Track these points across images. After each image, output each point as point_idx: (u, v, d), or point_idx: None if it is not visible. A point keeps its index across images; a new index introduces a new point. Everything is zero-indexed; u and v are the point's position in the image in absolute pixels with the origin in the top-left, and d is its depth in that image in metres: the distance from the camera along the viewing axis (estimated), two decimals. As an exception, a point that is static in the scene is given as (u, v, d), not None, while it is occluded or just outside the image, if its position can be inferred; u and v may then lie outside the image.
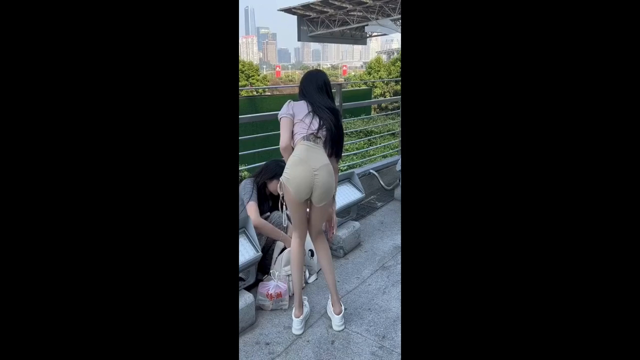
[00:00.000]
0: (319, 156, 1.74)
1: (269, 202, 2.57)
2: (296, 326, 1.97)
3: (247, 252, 2.02)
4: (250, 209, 2.31)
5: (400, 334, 1.94)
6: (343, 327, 1.98)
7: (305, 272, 2.37)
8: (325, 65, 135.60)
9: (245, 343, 1.90)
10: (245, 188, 2.41)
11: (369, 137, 7.69)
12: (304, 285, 2.33)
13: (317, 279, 2.45)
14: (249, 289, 2.20)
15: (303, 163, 1.70)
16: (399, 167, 3.57)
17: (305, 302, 2.10)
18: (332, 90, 2.04)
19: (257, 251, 2.04)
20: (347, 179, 2.92)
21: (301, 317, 1.98)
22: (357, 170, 3.92)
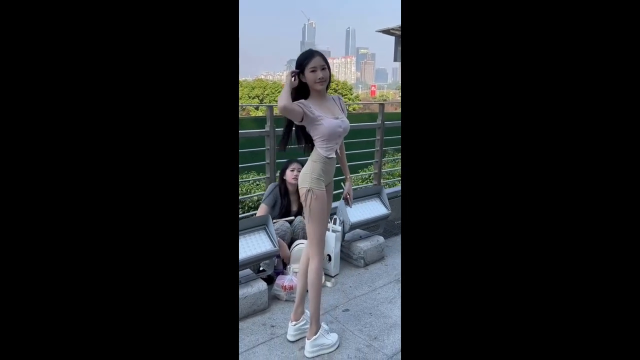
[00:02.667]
0: None
1: (287, 198, 2.75)
2: (290, 332, 2.06)
3: (265, 245, 2.35)
4: (260, 211, 2.67)
5: (392, 339, 2.09)
6: (313, 355, 1.93)
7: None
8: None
9: (254, 322, 2.22)
10: (267, 190, 2.79)
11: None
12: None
13: (335, 284, 2.65)
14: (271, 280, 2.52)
15: None
16: None
17: (306, 312, 2.11)
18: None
19: (274, 246, 2.36)
20: (377, 194, 3.11)
21: (296, 324, 2.05)
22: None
